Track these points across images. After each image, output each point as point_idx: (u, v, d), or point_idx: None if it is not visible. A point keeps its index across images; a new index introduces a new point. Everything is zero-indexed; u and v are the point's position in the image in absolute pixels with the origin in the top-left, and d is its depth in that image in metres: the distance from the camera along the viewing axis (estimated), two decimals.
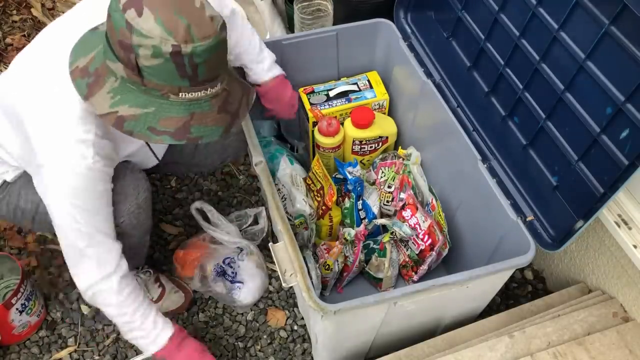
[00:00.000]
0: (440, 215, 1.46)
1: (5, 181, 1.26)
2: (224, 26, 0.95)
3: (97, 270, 1.15)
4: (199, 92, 0.95)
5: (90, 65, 0.98)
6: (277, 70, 1.45)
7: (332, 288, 1.53)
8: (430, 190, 1.53)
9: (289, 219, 1.33)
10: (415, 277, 1.48)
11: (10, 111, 1.10)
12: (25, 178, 1.24)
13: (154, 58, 0.89)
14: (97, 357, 1.51)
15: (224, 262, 1.56)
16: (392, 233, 1.46)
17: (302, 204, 1.46)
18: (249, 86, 1.12)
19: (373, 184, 1.59)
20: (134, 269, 1.52)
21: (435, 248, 1.40)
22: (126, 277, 1.18)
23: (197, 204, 1.54)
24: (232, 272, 1.55)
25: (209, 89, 0.96)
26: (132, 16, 0.89)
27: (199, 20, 0.91)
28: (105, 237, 1.14)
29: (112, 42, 0.93)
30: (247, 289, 1.55)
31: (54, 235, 1.25)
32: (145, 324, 1.21)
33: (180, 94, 0.94)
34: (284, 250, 1.16)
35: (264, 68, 1.42)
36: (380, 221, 1.49)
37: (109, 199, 1.14)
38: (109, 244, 1.15)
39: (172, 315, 1.55)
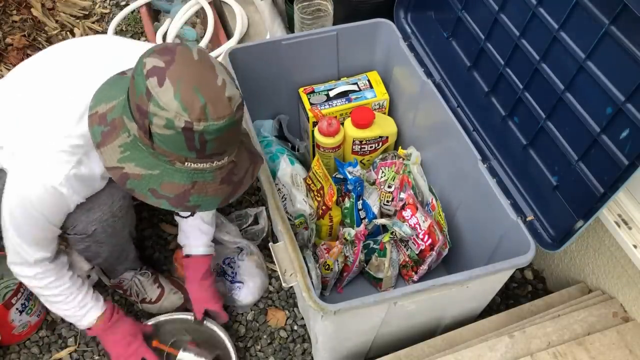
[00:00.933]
0: (440, 215, 1.46)
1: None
2: (240, 106, 0.97)
3: (16, 257, 1.21)
4: (205, 164, 0.97)
5: (108, 115, 1.00)
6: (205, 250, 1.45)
7: (332, 288, 1.53)
8: (430, 190, 1.53)
9: (289, 219, 1.33)
10: (415, 277, 1.48)
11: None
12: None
13: (166, 129, 0.92)
14: (97, 357, 1.51)
15: (224, 262, 1.56)
16: (392, 233, 1.46)
17: (302, 204, 1.46)
18: (259, 157, 1.13)
19: (373, 184, 1.59)
20: (131, 271, 1.52)
21: (435, 248, 1.40)
22: (48, 272, 1.23)
23: None
24: (232, 272, 1.55)
25: (214, 162, 0.98)
26: (153, 85, 0.91)
27: (216, 99, 0.92)
28: (33, 249, 1.19)
29: (132, 102, 0.96)
30: (247, 289, 1.55)
31: None
32: (70, 304, 1.27)
33: (187, 163, 0.96)
34: (284, 250, 1.16)
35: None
36: (380, 221, 1.49)
37: (46, 229, 1.17)
38: (34, 253, 1.20)
39: None
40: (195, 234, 1.42)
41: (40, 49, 2.24)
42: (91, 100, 1.04)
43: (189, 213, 1.35)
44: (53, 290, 1.26)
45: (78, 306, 1.29)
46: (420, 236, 1.43)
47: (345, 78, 1.66)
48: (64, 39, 2.29)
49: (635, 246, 1.17)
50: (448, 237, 1.45)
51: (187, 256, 1.44)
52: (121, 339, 1.35)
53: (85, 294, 1.30)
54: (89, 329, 1.33)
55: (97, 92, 1.05)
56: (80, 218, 1.21)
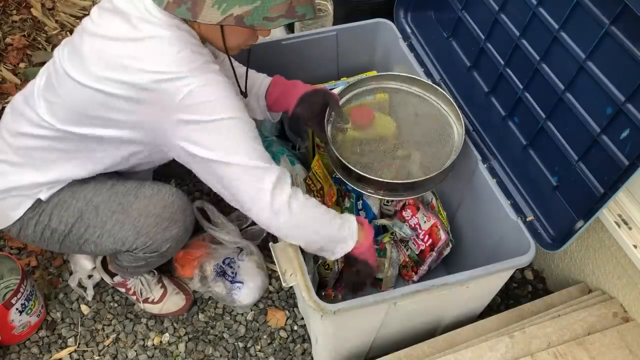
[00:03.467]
0: (441, 215, 1.46)
1: (39, 199, 1.22)
2: None
3: (287, 179, 1.11)
4: None
5: None
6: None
7: (332, 288, 1.52)
8: None
9: None
10: (415, 277, 1.48)
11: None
12: (58, 197, 1.22)
13: None
14: (97, 357, 1.51)
15: (224, 262, 1.56)
16: (392, 233, 1.46)
17: None
18: None
19: None
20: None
21: (435, 248, 1.40)
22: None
23: (198, 203, 1.54)
24: (232, 272, 1.55)
25: None
26: None
27: None
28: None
29: None
30: (248, 289, 1.55)
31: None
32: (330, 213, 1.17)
33: None
34: (284, 250, 1.16)
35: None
36: (381, 221, 1.49)
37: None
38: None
39: (169, 317, 1.56)
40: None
41: (40, 49, 2.25)
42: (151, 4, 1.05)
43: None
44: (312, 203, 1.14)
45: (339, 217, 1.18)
46: (421, 236, 1.43)
47: (345, 78, 1.66)
48: (63, 39, 2.29)
49: (635, 246, 1.17)
50: (450, 235, 1.45)
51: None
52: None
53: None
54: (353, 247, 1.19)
55: None
56: (156, 237, 1.23)
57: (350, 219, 1.19)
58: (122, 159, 1.19)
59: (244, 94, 1.31)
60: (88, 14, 1.16)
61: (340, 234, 1.16)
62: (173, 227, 1.26)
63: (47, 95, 1.15)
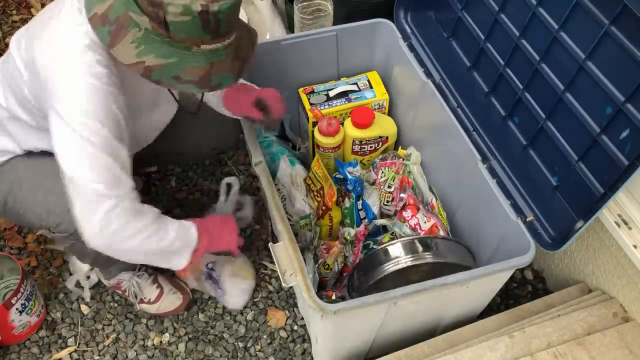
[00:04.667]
0: (441, 215, 1.46)
1: None
2: None
3: (108, 192, 1.08)
4: (218, 44, 1.01)
5: (109, 13, 1.01)
6: None
7: (332, 288, 1.52)
8: (431, 189, 1.53)
9: (289, 219, 1.33)
10: None
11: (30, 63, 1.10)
12: (9, 165, 1.27)
13: (183, 15, 0.95)
14: (97, 357, 1.51)
15: (207, 266, 1.55)
16: (392, 233, 1.46)
17: (302, 204, 1.46)
18: (253, 29, 1.16)
19: (373, 184, 1.59)
20: (129, 272, 1.52)
21: None
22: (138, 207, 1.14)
23: (228, 180, 1.50)
24: (217, 276, 1.54)
25: (225, 40, 1.02)
26: None
27: None
28: (119, 168, 1.10)
29: None
30: (229, 296, 1.54)
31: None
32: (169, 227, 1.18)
33: (202, 46, 1.00)
34: (284, 250, 1.16)
35: None
36: (381, 221, 1.49)
37: (121, 126, 1.11)
38: (120, 175, 1.11)
39: (169, 317, 1.56)
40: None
41: None
42: (84, 4, 1.04)
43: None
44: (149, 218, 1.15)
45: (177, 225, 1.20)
46: None
47: (345, 78, 1.66)
48: None
49: (635, 246, 1.17)
50: (450, 236, 1.45)
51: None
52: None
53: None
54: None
55: None
56: (63, 216, 1.22)
57: (186, 231, 1.20)
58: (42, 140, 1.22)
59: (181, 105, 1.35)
60: None
61: (170, 249, 1.18)
62: None
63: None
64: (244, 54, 1.09)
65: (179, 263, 1.21)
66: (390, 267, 1.21)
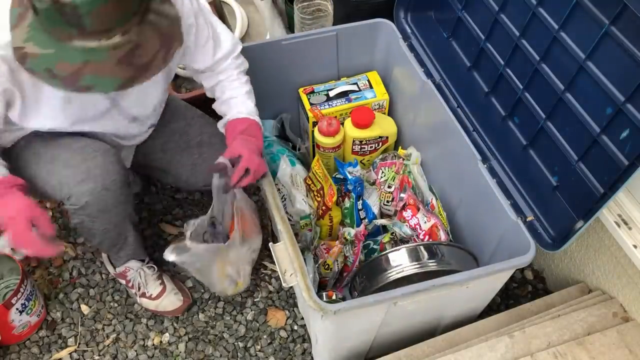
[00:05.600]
0: (441, 215, 1.46)
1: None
2: None
3: None
4: (93, 42, 0.93)
5: None
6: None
7: (332, 288, 1.52)
8: (431, 189, 1.53)
9: (289, 219, 1.33)
10: None
11: None
12: (19, 145, 1.27)
13: (41, 2, 0.90)
14: (97, 357, 1.51)
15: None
16: (392, 234, 1.46)
17: (302, 204, 1.46)
18: (178, 39, 1.04)
19: (373, 184, 1.59)
20: (138, 262, 1.53)
21: None
22: None
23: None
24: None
25: (102, 40, 0.93)
26: None
27: None
28: None
29: None
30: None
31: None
32: None
33: (73, 41, 0.93)
34: (284, 250, 1.16)
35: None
36: (381, 221, 1.49)
37: None
38: None
39: (169, 317, 1.56)
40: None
41: None
42: None
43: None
44: None
45: None
46: (421, 237, 1.43)
47: (345, 78, 1.66)
48: None
49: (635, 246, 1.17)
50: (450, 236, 1.45)
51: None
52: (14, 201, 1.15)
53: None
54: None
55: None
56: (73, 189, 1.23)
57: None
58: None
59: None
60: None
61: None
62: (89, 181, 1.24)
63: None
64: (143, 62, 0.98)
65: None
66: (393, 275, 1.21)
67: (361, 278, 1.28)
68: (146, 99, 1.33)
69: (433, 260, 1.22)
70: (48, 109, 1.19)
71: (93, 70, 0.95)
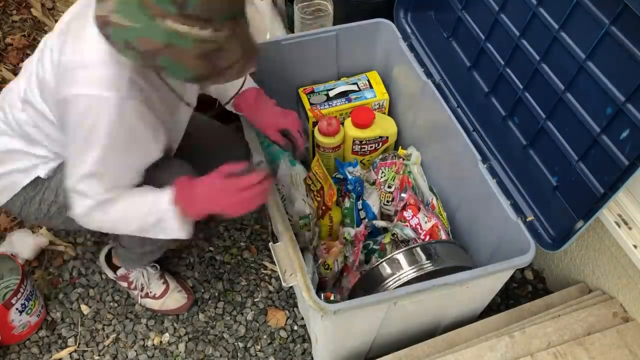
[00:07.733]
0: (442, 215, 1.46)
1: (38, 177, 1.23)
2: None
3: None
4: (185, 27, 0.91)
5: None
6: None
7: (330, 289, 1.52)
8: (431, 189, 1.53)
9: (289, 219, 1.33)
10: None
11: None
12: (61, 174, 1.22)
13: None
14: (97, 357, 1.51)
15: None
16: (393, 234, 1.46)
17: (302, 204, 1.46)
18: (254, 54, 1.03)
19: (373, 184, 1.59)
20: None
21: None
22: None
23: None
24: None
25: (194, 28, 0.91)
26: None
27: None
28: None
29: None
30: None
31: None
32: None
33: (166, 20, 0.90)
34: (284, 250, 1.16)
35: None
36: (381, 223, 1.49)
37: (143, 145, 1.12)
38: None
39: (169, 317, 1.56)
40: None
41: None
42: None
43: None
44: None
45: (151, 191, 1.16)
46: (422, 237, 1.43)
47: (345, 78, 1.66)
48: None
49: (635, 246, 1.17)
50: (451, 236, 1.45)
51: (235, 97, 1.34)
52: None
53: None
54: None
55: None
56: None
57: (160, 200, 1.14)
58: None
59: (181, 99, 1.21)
60: None
61: (149, 224, 1.15)
62: None
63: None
64: (223, 66, 0.98)
65: (173, 233, 1.15)
66: (391, 284, 1.21)
67: (361, 292, 1.26)
68: (182, 125, 1.32)
69: (429, 262, 1.22)
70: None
71: (172, 54, 0.93)
